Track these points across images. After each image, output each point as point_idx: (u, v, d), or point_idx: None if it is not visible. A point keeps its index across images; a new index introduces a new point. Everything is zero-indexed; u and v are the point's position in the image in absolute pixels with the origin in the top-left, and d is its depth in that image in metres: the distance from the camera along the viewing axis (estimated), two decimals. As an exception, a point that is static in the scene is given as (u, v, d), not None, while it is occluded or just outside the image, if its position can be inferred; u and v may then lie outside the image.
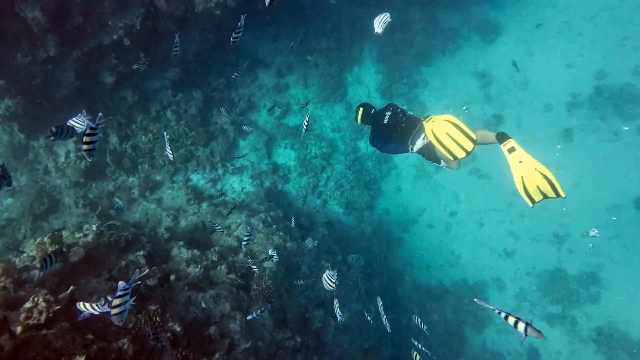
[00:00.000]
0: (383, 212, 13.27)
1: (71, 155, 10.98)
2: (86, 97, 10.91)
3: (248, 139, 13.23)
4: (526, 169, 3.50)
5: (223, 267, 6.96)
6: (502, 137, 3.82)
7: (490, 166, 12.56)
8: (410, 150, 4.73)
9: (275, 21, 13.10)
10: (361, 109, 5.03)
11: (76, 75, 10.10)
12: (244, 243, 6.01)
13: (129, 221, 10.23)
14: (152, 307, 5.01)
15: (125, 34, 9.87)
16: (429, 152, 4.53)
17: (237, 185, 12.56)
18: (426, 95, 13.82)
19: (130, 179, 11.72)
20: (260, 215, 9.17)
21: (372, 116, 4.98)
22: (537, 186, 3.42)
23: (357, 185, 12.99)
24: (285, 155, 13.33)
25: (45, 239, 6.55)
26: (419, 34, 14.11)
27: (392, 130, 4.71)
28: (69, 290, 4.95)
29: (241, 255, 7.66)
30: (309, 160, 13.21)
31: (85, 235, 7.43)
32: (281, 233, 8.67)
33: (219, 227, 7.41)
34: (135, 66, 9.04)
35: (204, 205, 11.03)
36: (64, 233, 7.48)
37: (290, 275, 8.16)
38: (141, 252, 6.93)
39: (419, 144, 4.57)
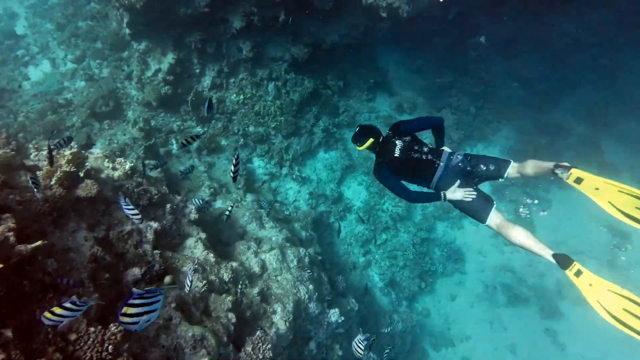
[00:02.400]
0: (422, 312, 10.95)
1: (159, 75, 10.04)
2: (204, 28, 9.96)
3: (329, 153, 11.64)
4: None
5: (228, 298, 5.24)
6: None
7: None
8: (441, 198, 3.86)
9: (424, 52, 11.47)
10: (371, 140, 4.09)
11: (208, 3, 9.11)
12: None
13: (169, 170, 8.99)
14: (114, 329, 3.36)
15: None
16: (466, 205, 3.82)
17: (292, 194, 10.96)
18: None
19: (197, 129, 10.58)
20: (300, 250, 7.40)
21: (379, 145, 4.12)
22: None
23: (412, 268, 10.82)
24: (356, 192, 11.54)
25: (67, 152, 5.26)
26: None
27: (406, 166, 3.98)
28: (34, 245, 3.47)
29: (255, 292, 5.91)
30: (377, 210, 11.30)
31: (114, 170, 6.12)
32: (311, 286, 6.84)
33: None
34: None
35: (249, 197, 9.52)
36: (93, 154, 6.24)
37: (295, 344, 6.27)
38: (155, 225, 5.44)
39: (459, 195, 3.78)
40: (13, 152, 5.40)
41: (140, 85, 10.21)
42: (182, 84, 10.40)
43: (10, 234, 3.59)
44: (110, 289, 4.23)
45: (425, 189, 4.11)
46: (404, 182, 4.03)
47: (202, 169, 9.96)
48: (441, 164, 3.88)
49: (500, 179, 3.84)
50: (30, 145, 6.21)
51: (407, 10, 8.13)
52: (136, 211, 4.07)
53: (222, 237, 7.65)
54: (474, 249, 11.28)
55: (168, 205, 6.20)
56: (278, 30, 10.39)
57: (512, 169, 3.73)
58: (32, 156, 5.96)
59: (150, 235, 5.31)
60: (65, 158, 5.00)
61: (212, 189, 9.19)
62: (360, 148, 4.15)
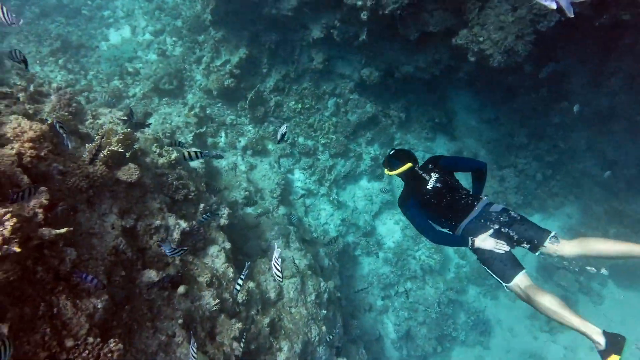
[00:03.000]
0: (431, 378, 10.07)
1: (227, 66, 9.98)
2: (283, 31, 9.81)
3: (372, 183, 11.10)
4: None
5: (237, 324, 4.83)
6: None
7: None
8: (468, 243, 3.45)
9: (501, 105, 10.70)
10: (406, 166, 3.81)
11: (294, 7, 8.94)
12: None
13: (210, 163, 8.82)
14: (112, 346, 3.03)
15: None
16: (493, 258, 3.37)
17: (324, 216, 10.51)
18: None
19: (249, 127, 10.41)
20: (321, 284, 6.90)
21: (412, 174, 3.80)
22: None
23: (430, 328, 9.99)
24: (390, 230, 10.91)
25: (120, 130, 5.11)
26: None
27: (436, 202, 3.62)
28: (59, 231, 3.22)
29: (266, 322, 5.47)
30: (407, 256, 10.59)
31: (160, 156, 5.95)
32: (324, 327, 6.33)
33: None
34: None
35: (282, 210, 9.16)
36: (144, 134, 6.11)
37: (291, 387, 5.74)
38: (184, 225, 5.16)
39: (489, 244, 3.37)
40: (70, 117, 5.34)
41: (207, 72, 10.21)
42: (246, 80, 10.29)
43: (40, 210, 3.37)
44: (121, 290, 3.94)
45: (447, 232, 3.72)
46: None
47: (242, 168, 9.75)
48: (477, 208, 3.52)
49: (538, 248, 3.38)
50: (89, 111, 6.18)
51: (499, 60, 7.50)
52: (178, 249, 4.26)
53: (245, 247, 7.33)
54: (505, 325, 10.26)
55: (202, 205, 5.93)
56: (353, 49, 10.05)
57: (558, 246, 3.28)
58: (87, 122, 5.91)
59: (176, 235, 5.03)
60: (117, 137, 4.83)
61: (247, 192, 8.92)
62: (391, 173, 3.86)
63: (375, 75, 10.15)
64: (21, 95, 5.41)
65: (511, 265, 3.31)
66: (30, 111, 4.99)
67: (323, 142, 10.62)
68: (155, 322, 4.13)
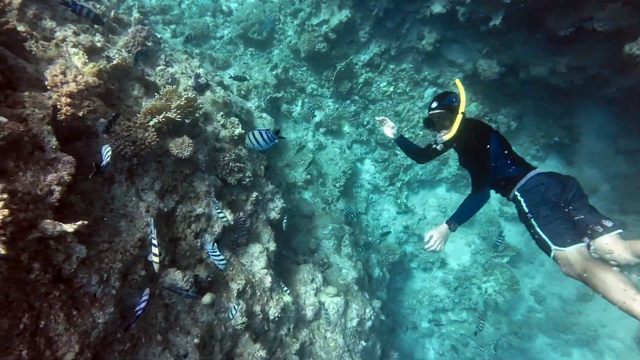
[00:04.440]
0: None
1: (323, 28, 8.73)
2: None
3: (452, 194, 9.58)
4: None
5: (260, 352, 4.10)
6: None
7: None
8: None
9: None
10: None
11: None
12: None
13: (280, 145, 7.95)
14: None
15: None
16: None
17: (385, 218, 9.35)
18: None
19: (329, 102, 9.26)
20: (367, 310, 5.95)
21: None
22: None
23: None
24: (459, 250, 9.52)
25: (185, 94, 4.32)
26: None
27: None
28: (67, 228, 2.52)
29: (296, 348, 4.70)
30: (471, 285, 9.22)
31: (223, 127, 5.15)
32: (357, 361, 5.43)
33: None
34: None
35: (341, 204, 8.16)
36: (214, 97, 5.29)
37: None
38: (229, 217, 4.39)
39: None
40: (129, 61, 4.61)
41: (300, 30, 9.08)
42: (340, 47, 9.01)
43: (58, 188, 2.71)
44: (138, 291, 3.29)
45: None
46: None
47: (310, 146, 8.78)
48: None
49: (594, 239, 2.78)
50: (163, 55, 5.48)
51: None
52: (222, 257, 3.57)
53: (294, 240, 6.52)
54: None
55: (255, 194, 5.11)
56: (477, 34, 8.22)
57: (619, 245, 2.67)
58: (158, 69, 5.21)
59: (217, 229, 4.28)
60: (177, 102, 4.04)
61: (308, 176, 8.00)
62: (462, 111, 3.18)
63: (495, 71, 8.28)
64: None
65: (574, 231, 2.71)
66: (99, 44, 4.34)
67: (407, 135, 9.19)
68: (169, 335, 3.49)
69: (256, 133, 3.37)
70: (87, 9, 3.79)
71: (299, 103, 9.15)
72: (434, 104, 3.27)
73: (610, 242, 2.72)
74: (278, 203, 5.58)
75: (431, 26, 8.49)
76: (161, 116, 3.89)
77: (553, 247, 2.68)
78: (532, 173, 3.04)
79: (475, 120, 3.38)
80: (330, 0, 8.77)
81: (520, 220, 3.04)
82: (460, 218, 3.07)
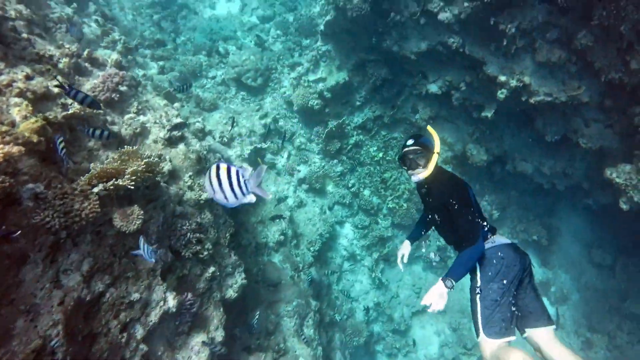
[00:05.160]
0: None
1: (319, 85, 8.56)
2: (395, 70, 8.16)
3: (428, 274, 9.13)
4: None
5: None
6: None
7: None
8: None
9: (628, 253, 8.24)
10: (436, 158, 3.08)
11: (421, 51, 7.29)
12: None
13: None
14: None
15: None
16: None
17: (357, 290, 8.77)
18: None
19: (316, 158, 8.90)
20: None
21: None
22: None
23: None
24: (426, 339, 8.89)
25: (143, 161, 3.83)
26: None
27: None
28: None
29: None
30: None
31: (190, 189, 4.64)
32: None
33: None
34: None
35: (312, 272, 7.59)
36: (185, 151, 4.82)
37: None
38: (171, 303, 3.78)
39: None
40: (94, 112, 4.13)
41: (296, 83, 8.88)
42: (334, 105, 8.82)
43: None
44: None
45: None
46: None
47: (290, 202, 8.32)
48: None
49: (527, 328, 2.82)
50: (137, 102, 5.02)
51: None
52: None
53: (250, 316, 5.85)
54: None
55: (211, 270, 4.53)
56: (469, 119, 8.16)
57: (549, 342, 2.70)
58: (127, 117, 4.73)
59: (154, 318, 3.64)
60: (134, 166, 3.54)
61: (282, 236, 7.47)
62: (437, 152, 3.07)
63: (483, 159, 8.17)
64: (64, 60, 4.34)
65: (507, 323, 2.69)
66: (57, 89, 3.86)
67: (390, 205, 8.86)
68: None
69: (224, 175, 2.11)
70: (83, 95, 3.41)
71: (285, 155, 8.77)
72: (410, 141, 3.13)
73: (541, 336, 2.75)
74: (238, 279, 4.98)
75: (426, 103, 8.42)
76: (110, 183, 3.37)
77: (482, 333, 2.68)
78: (497, 241, 2.95)
79: (448, 170, 3.22)
80: (329, 60, 8.68)
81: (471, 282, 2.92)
82: (455, 272, 2.71)
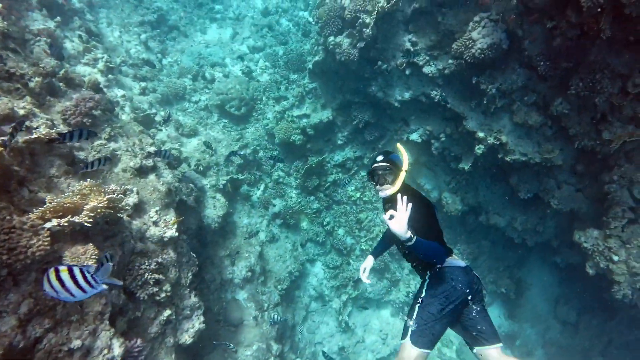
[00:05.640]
0: None
1: (303, 121, 8.57)
2: (380, 116, 8.29)
3: (395, 318, 8.94)
4: None
5: None
6: None
7: None
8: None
9: (594, 313, 8.35)
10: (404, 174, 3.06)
11: (404, 100, 7.44)
12: None
13: (228, 223, 7.21)
14: None
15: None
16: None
17: (322, 333, 8.46)
18: None
19: (292, 193, 8.77)
20: None
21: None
22: None
23: None
24: None
25: (103, 197, 3.61)
26: None
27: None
28: None
29: None
30: None
31: (155, 225, 4.40)
32: None
33: None
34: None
35: (276, 312, 7.28)
36: (156, 182, 4.59)
37: None
38: (117, 351, 3.45)
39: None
40: (54, 137, 3.89)
41: (280, 117, 8.86)
42: (316, 142, 8.82)
43: None
44: None
45: None
46: None
47: (262, 237, 8.07)
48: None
49: (476, 346, 2.89)
50: (109, 129, 4.79)
51: (626, 296, 5.35)
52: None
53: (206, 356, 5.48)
54: None
55: (167, 313, 4.22)
56: (447, 169, 8.31)
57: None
58: (97, 143, 4.50)
59: (95, 370, 3.30)
60: (94, 202, 3.30)
61: (249, 273, 7.17)
62: (405, 170, 3.07)
63: (458, 209, 8.27)
64: (35, 80, 4.13)
65: (433, 337, 2.77)
66: (22, 111, 3.64)
67: (364, 247, 8.75)
68: None
69: (65, 275, 2.16)
70: (78, 132, 3.31)
71: (261, 187, 8.60)
72: (380, 157, 3.13)
73: (492, 355, 2.81)
74: (196, 323, 4.67)
75: (406, 148, 8.47)
76: (65, 220, 3.11)
77: (409, 338, 2.75)
78: (452, 262, 2.98)
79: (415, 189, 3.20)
80: (315, 97, 8.75)
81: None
82: (420, 241, 2.59)
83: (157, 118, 7.05)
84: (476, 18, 5.99)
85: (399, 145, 3.25)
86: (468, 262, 3.08)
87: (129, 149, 4.75)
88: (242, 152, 7.88)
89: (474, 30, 6.01)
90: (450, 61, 6.63)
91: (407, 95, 7.56)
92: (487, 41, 5.87)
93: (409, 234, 2.52)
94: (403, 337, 2.82)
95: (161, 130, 7.16)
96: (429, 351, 2.75)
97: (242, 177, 8.08)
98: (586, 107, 5.58)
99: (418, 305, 2.85)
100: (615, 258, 5.45)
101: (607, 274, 5.58)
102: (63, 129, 4.22)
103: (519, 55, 5.94)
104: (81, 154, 4.14)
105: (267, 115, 9.16)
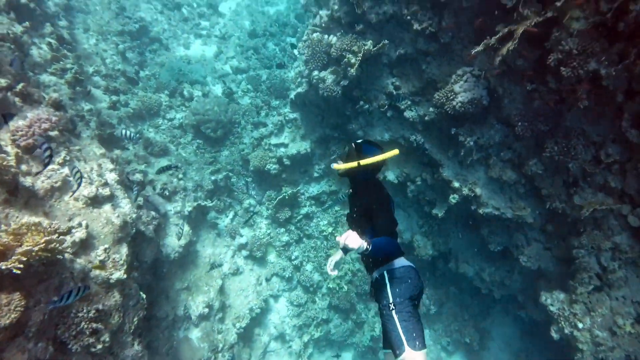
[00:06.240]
0: None
1: (280, 150, 8.36)
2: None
3: (357, 362, 8.61)
4: None
5: None
6: None
7: None
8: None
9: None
10: (395, 151, 3.10)
11: (384, 140, 7.38)
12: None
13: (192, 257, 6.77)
14: None
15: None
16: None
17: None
18: None
19: (262, 224, 8.44)
20: None
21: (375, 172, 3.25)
22: None
23: None
24: None
25: (39, 236, 3.23)
26: None
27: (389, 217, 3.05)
28: None
29: None
30: None
31: (100, 267, 3.98)
32: None
33: None
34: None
35: (237, 351, 6.81)
36: (109, 214, 4.19)
37: None
38: None
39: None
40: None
41: (257, 144, 8.61)
42: (292, 173, 8.59)
43: None
44: None
45: None
46: None
47: (225, 270, 7.65)
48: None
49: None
50: (64, 153, 4.38)
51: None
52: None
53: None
54: None
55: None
56: (420, 212, 8.26)
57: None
58: (47, 168, 4.07)
59: None
60: (29, 245, 2.90)
61: (206, 309, 6.71)
62: (367, 162, 3.02)
63: (429, 254, 8.18)
64: (-18, 93, 3.72)
65: (422, 335, 2.68)
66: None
67: (331, 285, 8.47)
68: None
69: None
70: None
71: (230, 215, 8.22)
72: (359, 141, 3.22)
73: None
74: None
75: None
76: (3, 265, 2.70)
77: (406, 347, 2.59)
78: (403, 261, 2.94)
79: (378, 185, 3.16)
80: (295, 127, 8.59)
81: (377, 305, 2.88)
82: (375, 242, 2.53)
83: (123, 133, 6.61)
84: (459, 72, 6.04)
85: (395, 151, 3.11)
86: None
87: (86, 175, 4.35)
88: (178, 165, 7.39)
89: (456, 83, 6.05)
90: (431, 109, 6.65)
91: (386, 136, 7.51)
92: (468, 96, 5.91)
93: (364, 244, 2.45)
94: (400, 351, 2.63)
95: (128, 149, 6.73)
96: (425, 350, 2.68)
97: (211, 204, 7.70)
98: (559, 170, 5.66)
99: (394, 310, 2.73)
100: (580, 325, 5.42)
101: (571, 340, 5.54)
102: (10, 151, 3.81)
103: (498, 112, 6.01)
104: (26, 182, 3.72)
105: (244, 140, 8.88)
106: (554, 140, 5.41)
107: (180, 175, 7.33)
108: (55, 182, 3.99)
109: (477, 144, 6.31)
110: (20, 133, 3.85)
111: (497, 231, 6.94)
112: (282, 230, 8.52)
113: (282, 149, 8.42)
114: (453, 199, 6.72)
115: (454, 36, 6.18)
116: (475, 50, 5.28)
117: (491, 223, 6.92)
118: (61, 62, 6.09)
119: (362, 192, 3.09)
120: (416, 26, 6.21)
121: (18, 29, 5.60)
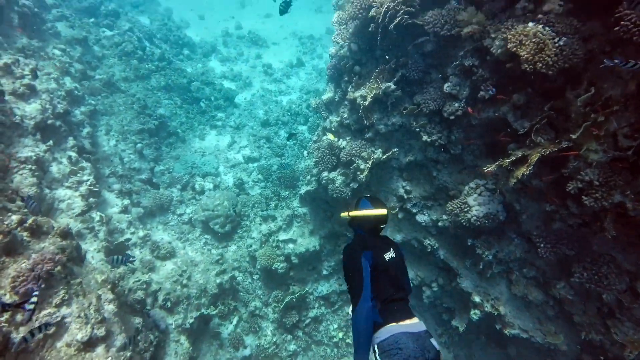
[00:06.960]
0: None
1: (287, 247, 8.12)
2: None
3: None
4: None
5: None
6: None
7: None
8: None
9: None
10: (383, 210, 3.05)
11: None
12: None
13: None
14: None
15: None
16: None
17: None
18: None
19: (268, 329, 7.93)
20: None
21: (375, 229, 3.08)
22: None
23: None
24: None
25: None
26: None
27: (382, 278, 2.79)
28: None
29: None
30: None
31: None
32: None
33: None
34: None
35: None
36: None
37: None
38: None
39: None
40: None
41: (264, 240, 8.42)
42: (300, 271, 8.26)
43: None
44: None
45: None
46: None
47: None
48: (417, 323, 2.59)
49: None
50: (63, 291, 4.22)
51: None
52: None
53: None
54: None
55: None
56: (439, 318, 7.67)
57: None
58: (43, 313, 3.89)
59: None
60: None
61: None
62: (356, 214, 3.04)
63: (434, 285, 7.41)
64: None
65: None
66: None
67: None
68: None
69: None
70: None
71: (234, 321, 7.77)
72: (367, 195, 3.25)
73: None
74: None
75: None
76: None
77: None
78: (391, 329, 2.54)
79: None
80: (304, 222, 8.43)
81: None
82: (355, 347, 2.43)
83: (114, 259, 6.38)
84: (472, 184, 5.90)
85: (383, 210, 3.04)
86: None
87: (82, 314, 4.13)
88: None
89: (470, 196, 5.88)
90: (444, 217, 6.43)
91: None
92: (484, 210, 5.69)
93: None
94: None
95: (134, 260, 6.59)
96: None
97: (214, 312, 7.31)
98: (591, 297, 5.19)
99: None
100: None
101: None
102: (8, 298, 3.66)
103: (517, 226, 5.73)
104: (15, 337, 3.50)
105: (252, 235, 8.72)
106: (581, 265, 5.02)
107: (185, 281, 7.06)
108: (48, 331, 3.77)
109: (497, 257, 5.96)
110: (20, 279, 3.72)
111: (526, 352, 6.29)
112: (289, 337, 7.96)
113: (291, 245, 8.18)
114: (474, 314, 6.21)
115: (464, 148, 6.15)
116: (488, 169, 5.18)
117: (520, 343, 6.30)
118: (78, 175, 6.21)
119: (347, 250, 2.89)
120: (425, 138, 6.24)
121: (42, 148, 5.80)
